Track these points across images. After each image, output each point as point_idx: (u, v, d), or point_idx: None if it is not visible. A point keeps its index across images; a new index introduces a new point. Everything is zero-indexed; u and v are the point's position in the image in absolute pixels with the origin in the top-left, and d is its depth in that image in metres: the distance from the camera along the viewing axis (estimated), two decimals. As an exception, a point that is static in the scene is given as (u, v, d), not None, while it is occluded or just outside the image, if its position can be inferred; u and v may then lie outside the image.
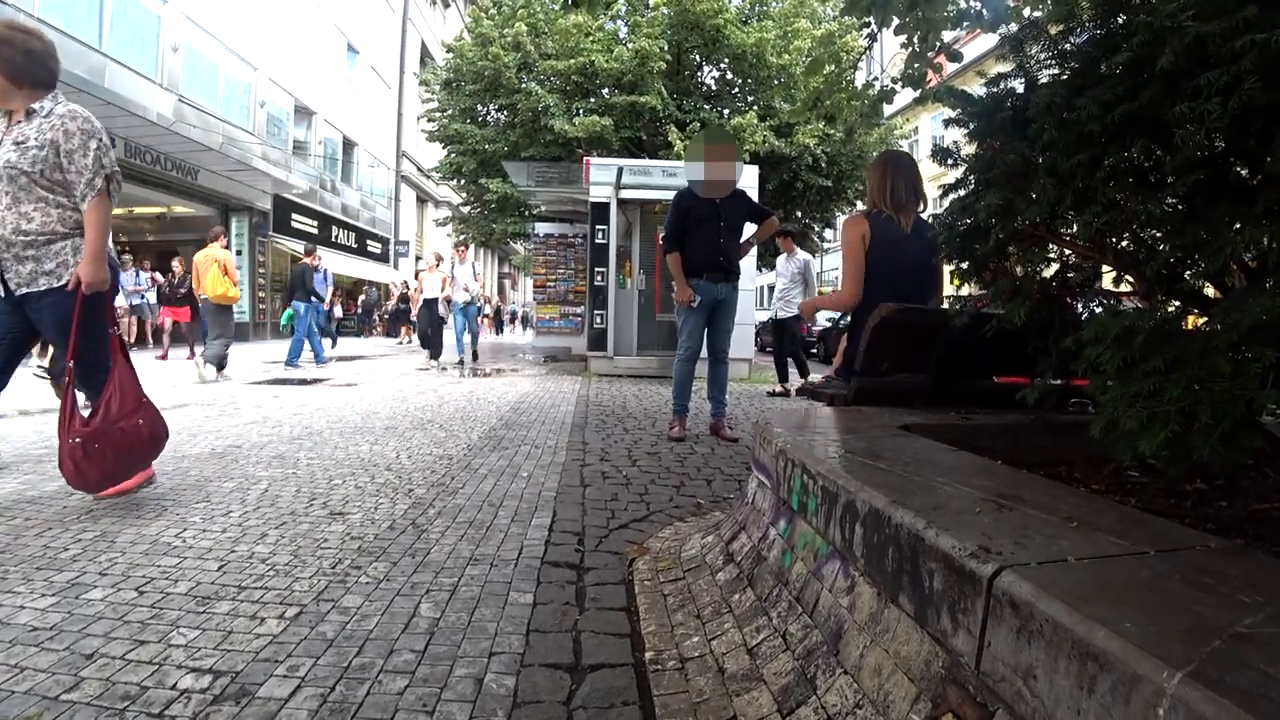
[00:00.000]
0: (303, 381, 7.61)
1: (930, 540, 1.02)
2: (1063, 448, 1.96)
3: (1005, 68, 1.75)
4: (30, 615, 1.65)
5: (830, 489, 1.44)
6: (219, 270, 7.66)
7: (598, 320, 9.17)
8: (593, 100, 13.44)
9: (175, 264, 11.54)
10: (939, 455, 1.66)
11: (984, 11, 4.47)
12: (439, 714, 1.29)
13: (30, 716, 1.25)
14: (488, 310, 25.95)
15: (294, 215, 19.90)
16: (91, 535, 2.25)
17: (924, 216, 3.04)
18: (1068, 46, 1.48)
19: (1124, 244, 1.48)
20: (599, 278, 9.12)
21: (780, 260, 7.97)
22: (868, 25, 4.81)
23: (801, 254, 7.75)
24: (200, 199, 16.49)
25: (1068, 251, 1.67)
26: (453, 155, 15.58)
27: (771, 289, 8.41)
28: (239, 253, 18.24)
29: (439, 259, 11.93)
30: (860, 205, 11.80)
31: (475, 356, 11.00)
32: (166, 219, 17.41)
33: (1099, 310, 1.76)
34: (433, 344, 10.96)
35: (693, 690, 1.39)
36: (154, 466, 3.08)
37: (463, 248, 10.78)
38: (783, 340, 7.80)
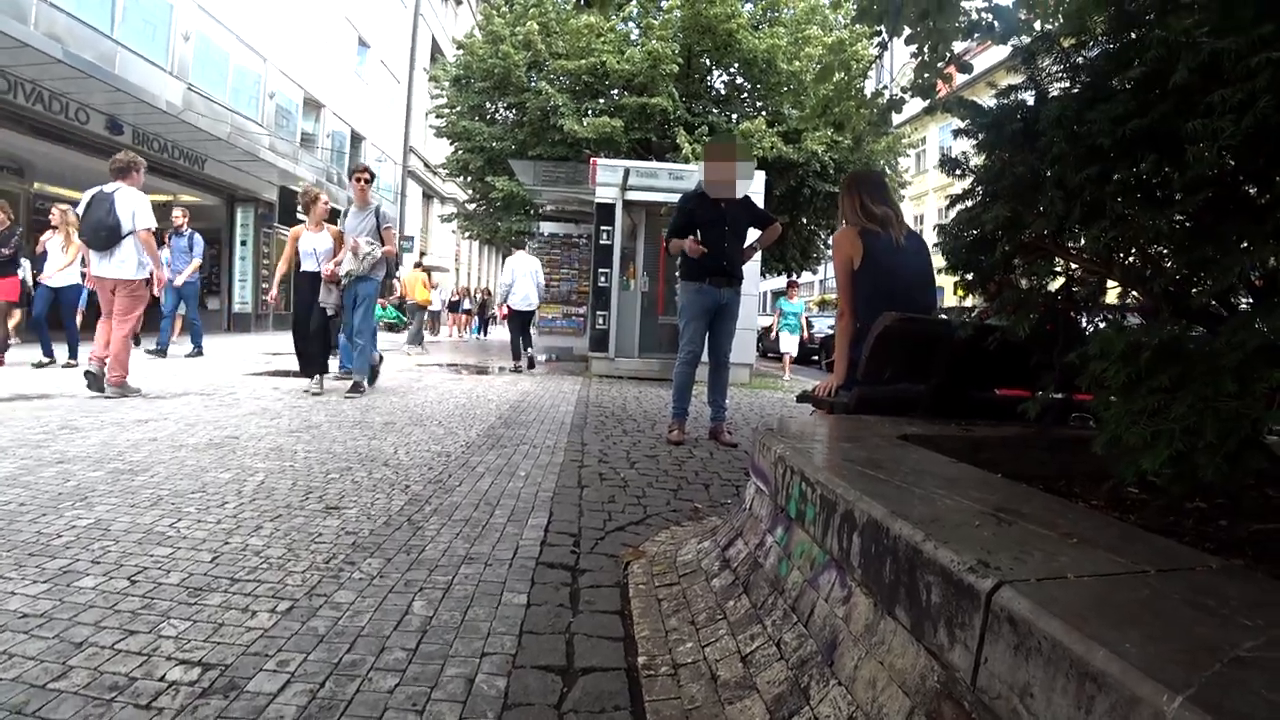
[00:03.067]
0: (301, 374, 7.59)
1: (929, 553, 1.01)
2: (1063, 462, 1.95)
3: (1016, 79, 1.74)
4: (20, 602, 1.64)
5: (829, 498, 1.43)
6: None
7: (600, 321, 9.18)
8: (602, 101, 13.44)
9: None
10: (939, 466, 1.65)
11: (995, 23, 4.47)
12: (429, 713, 1.28)
13: (16, 704, 1.24)
14: (468, 305, 25.09)
15: (300, 207, 19.90)
16: (86, 522, 2.24)
17: (914, 230, 3.06)
18: (1080, 60, 1.48)
19: (1131, 259, 1.47)
20: (602, 278, 9.12)
21: (512, 259, 9.87)
22: (879, 34, 4.81)
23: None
24: (207, 188, 16.49)
25: (1074, 266, 1.66)
26: (460, 152, 15.60)
27: (773, 294, 8.46)
28: (243, 243, 18.31)
29: (317, 200, 6.74)
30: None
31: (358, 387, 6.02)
32: (172, 207, 17.40)
33: (1104, 325, 1.76)
34: (305, 355, 6.48)
35: (685, 697, 1.38)
36: (151, 458, 3.08)
37: (362, 180, 6.18)
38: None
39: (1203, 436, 0.98)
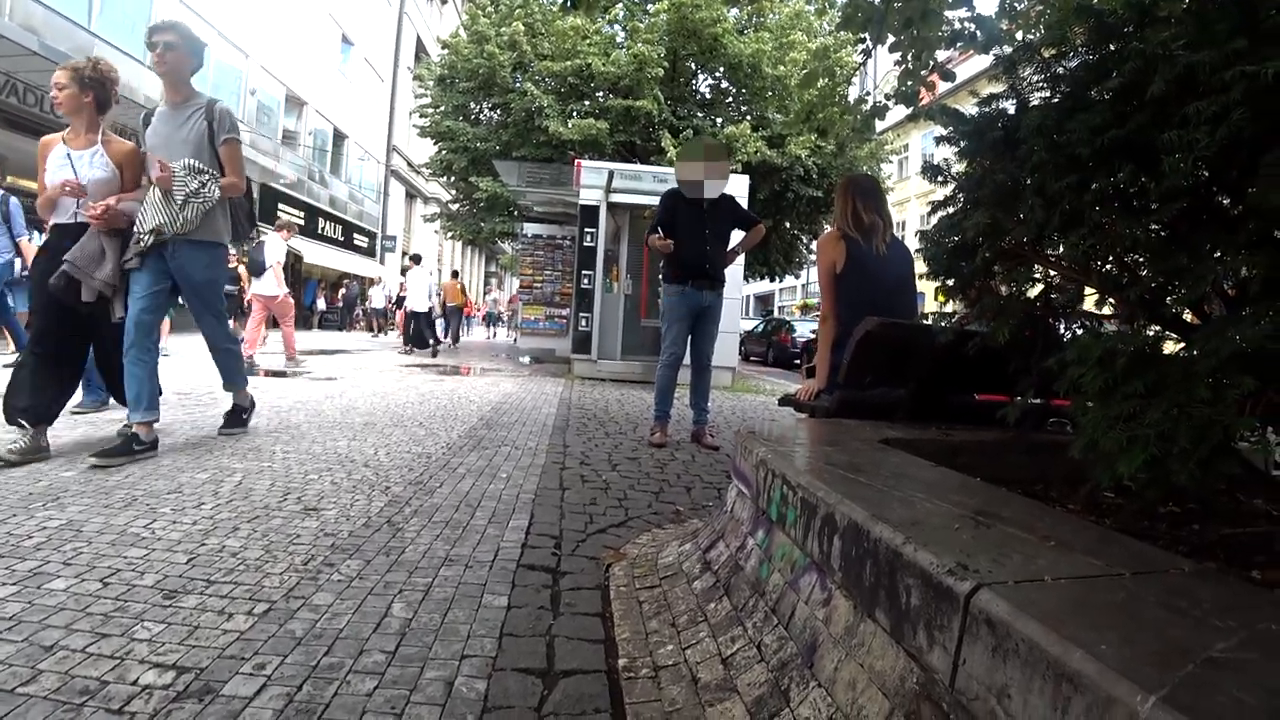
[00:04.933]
0: (282, 374, 7.52)
1: (908, 555, 1.02)
2: (1041, 466, 1.97)
3: (998, 88, 1.77)
4: None
5: (810, 501, 1.44)
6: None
7: (583, 323, 9.17)
8: (588, 103, 13.45)
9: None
10: (919, 470, 1.66)
11: (978, 33, 4.53)
12: (408, 716, 1.27)
13: None
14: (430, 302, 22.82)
15: (281, 205, 19.69)
16: (57, 523, 2.19)
17: (897, 236, 3.09)
18: (1060, 70, 1.50)
19: (1108, 267, 1.49)
20: (585, 280, 9.13)
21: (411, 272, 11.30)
22: (862, 41, 4.86)
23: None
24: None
25: (1052, 273, 1.69)
26: (444, 152, 15.54)
27: (758, 298, 8.50)
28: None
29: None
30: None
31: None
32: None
33: (1081, 332, 1.78)
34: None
35: (665, 699, 1.38)
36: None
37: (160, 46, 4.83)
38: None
39: (1176, 442, 1.00)
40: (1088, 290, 1.68)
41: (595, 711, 1.33)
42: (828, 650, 1.20)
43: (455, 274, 18.20)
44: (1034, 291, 1.85)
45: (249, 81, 17.62)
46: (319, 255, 20.87)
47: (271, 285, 8.44)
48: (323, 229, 22.23)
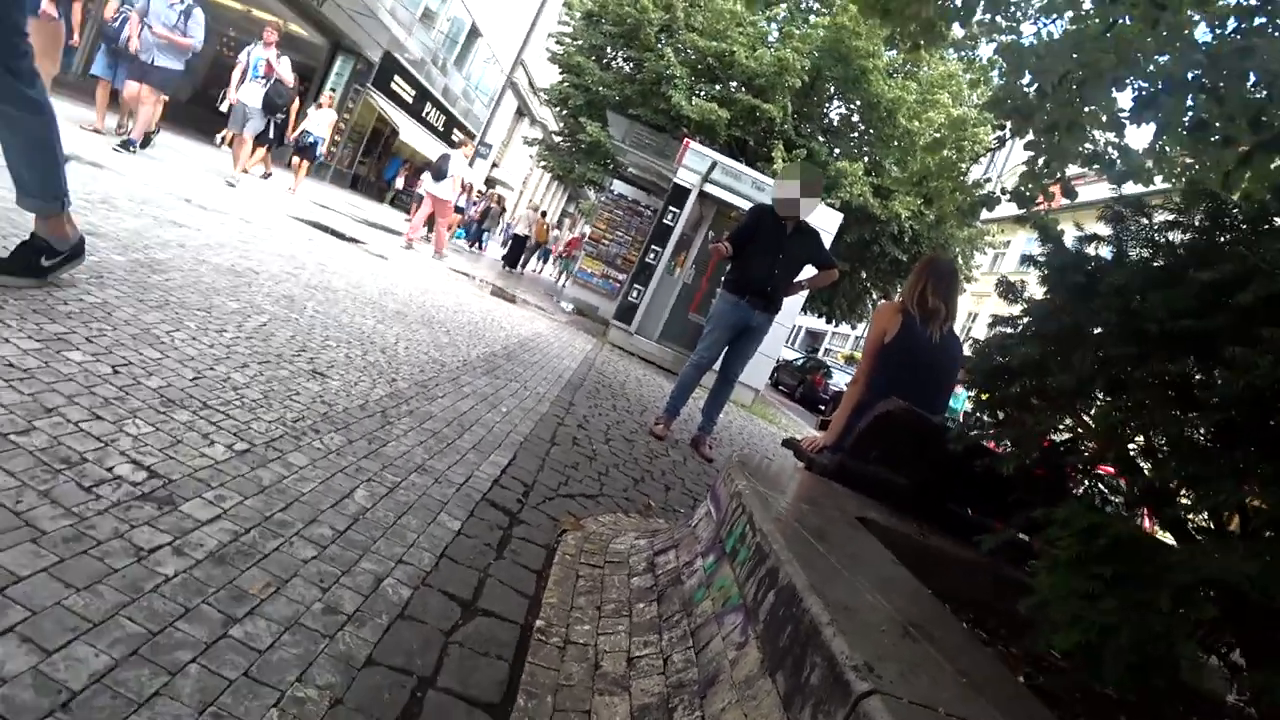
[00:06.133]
0: (340, 236, 7.69)
1: (825, 637, 1.05)
2: (1002, 600, 1.97)
3: (1102, 229, 1.74)
4: (10, 351, 1.71)
5: (764, 549, 1.47)
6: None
7: (634, 294, 9.20)
8: (718, 88, 13.35)
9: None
10: (879, 561, 1.68)
11: (1118, 162, 4.41)
12: (330, 594, 1.34)
13: None
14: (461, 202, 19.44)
15: (396, 77, 19.95)
16: (93, 300, 2.31)
17: (955, 330, 3.07)
18: (1165, 239, 1.48)
19: (1132, 446, 1.48)
20: (652, 255, 9.13)
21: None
22: (1001, 128, 4.77)
23: None
24: (317, 26, 16.59)
25: (1079, 429, 1.68)
26: (566, 84, 15.60)
27: (809, 333, 8.45)
28: (332, 90, 18.39)
29: None
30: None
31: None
32: (279, 33, 17.51)
33: (1088, 489, 1.77)
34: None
35: (563, 672, 1.43)
36: (172, 261, 3.15)
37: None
38: None
39: (1117, 637, 1.00)
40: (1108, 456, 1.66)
41: (496, 657, 1.39)
42: (724, 690, 1.24)
43: (543, 213, 20.25)
44: (1060, 436, 1.84)
45: (412, -53, 17.79)
46: (413, 137, 21.11)
47: (447, 190, 10.15)
48: (426, 113, 22.47)
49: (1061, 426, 1.69)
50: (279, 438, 1.91)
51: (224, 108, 8.78)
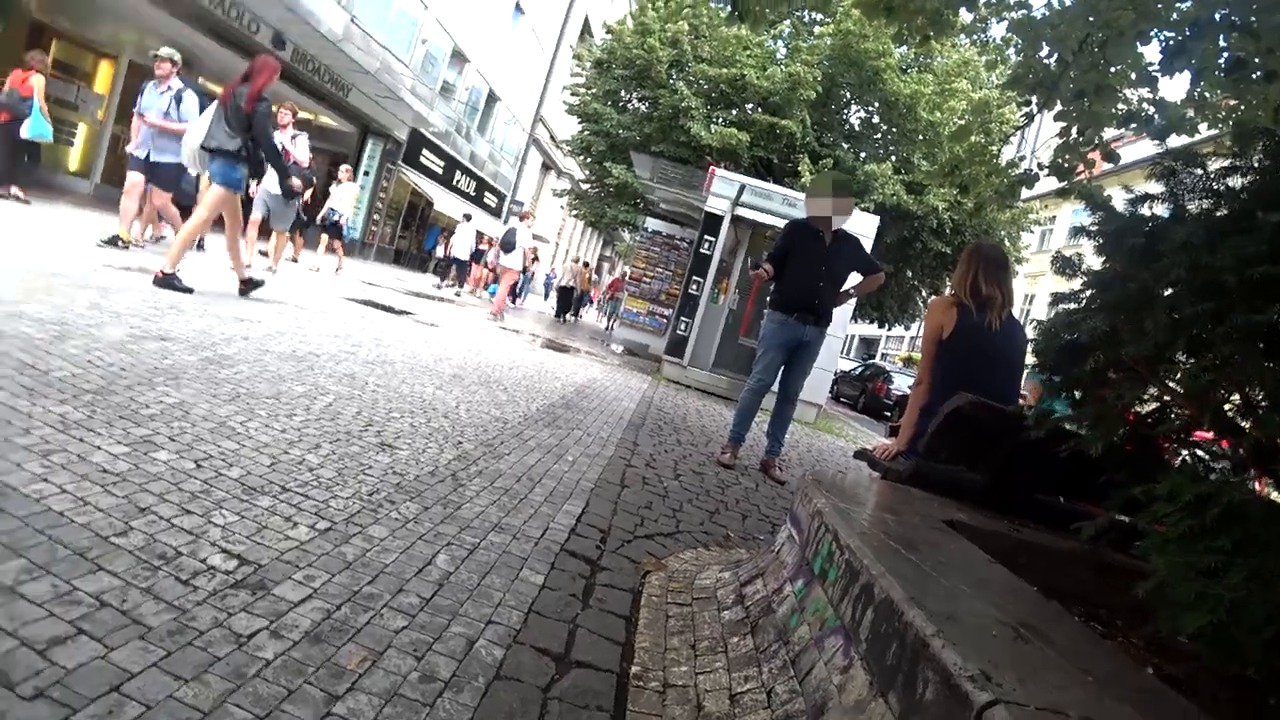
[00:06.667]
0: (391, 310, 7.94)
1: (934, 649, 1.00)
2: (1110, 590, 1.86)
3: (1154, 187, 1.67)
4: (104, 458, 1.82)
5: (854, 565, 1.42)
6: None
7: (682, 327, 9.20)
8: (734, 112, 13.46)
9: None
10: (974, 563, 1.61)
11: (1156, 117, 4.25)
12: (425, 662, 1.35)
13: (82, 548, 1.39)
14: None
15: (425, 151, 20.77)
16: (172, 400, 2.43)
17: (1015, 315, 2.96)
18: (1224, 185, 1.41)
19: (1228, 406, 1.39)
20: (694, 286, 9.15)
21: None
22: (1027, 104, 4.66)
23: None
24: (346, 115, 17.46)
25: (1167, 396, 1.59)
26: (586, 132, 15.95)
27: (863, 340, 8.29)
28: (366, 173, 19.26)
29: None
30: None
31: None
32: (311, 126, 18.55)
33: (1186, 460, 1.67)
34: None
35: (666, 717, 1.40)
36: (239, 355, 3.32)
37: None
38: None
39: (1249, 614, 0.93)
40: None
41: (597, 709, 1.37)
42: (834, 718, 1.19)
43: (586, 264, 21.80)
44: (1149, 407, 1.74)
45: (422, 31, 18.65)
46: (447, 205, 21.83)
47: (517, 260, 11.19)
48: (457, 181, 23.25)
49: (1146, 397, 1.60)
50: (357, 512, 1.96)
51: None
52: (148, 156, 6.59)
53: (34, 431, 1.87)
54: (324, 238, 11.55)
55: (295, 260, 11.08)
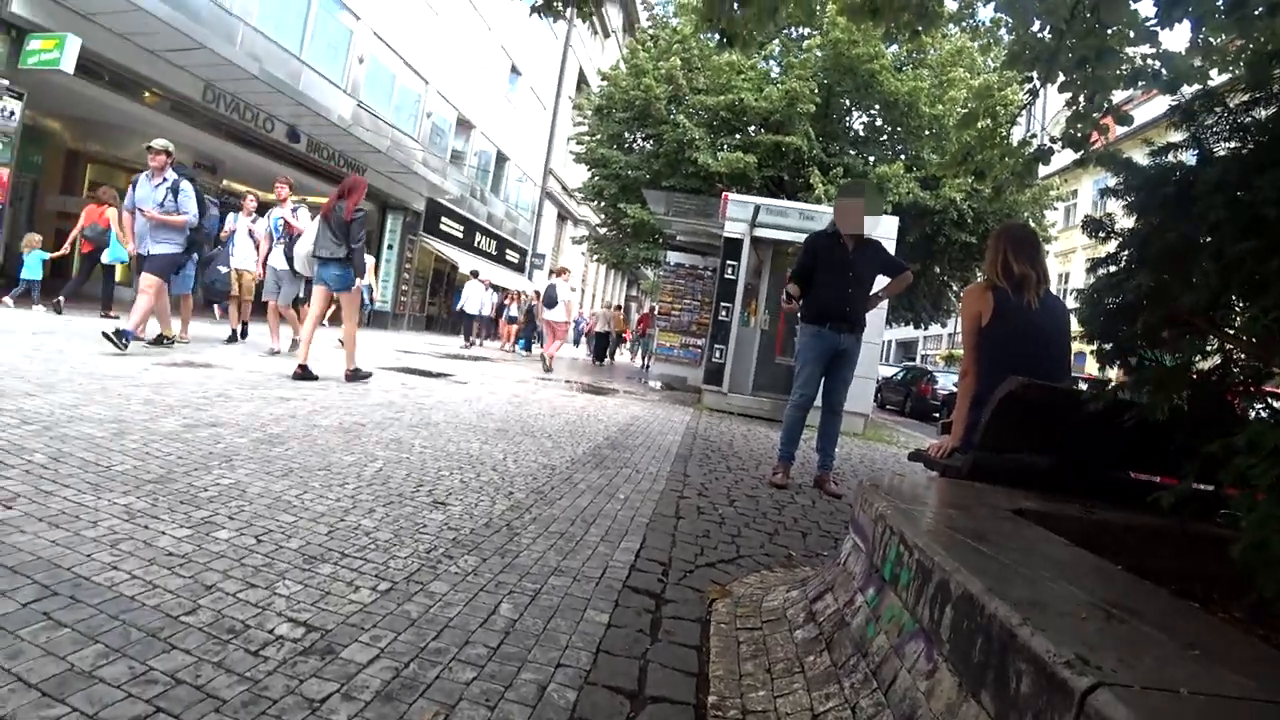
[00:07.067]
0: (428, 374, 8.07)
1: (1023, 639, 0.95)
2: (1202, 563, 1.76)
3: (1176, 136, 1.62)
4: (168, 542, 1.88)
5: (925, 564, 1.37)
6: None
7: (717, 355, 9.15)
8: (738, 136, 13.57)
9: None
10: (1051, 548, 1.54)
11: (1163, 71, 4.14)
12: (498, 711, 1.33)
13: (154, 629, 1.42)
14: (515, 311, 19.95)
15: (444, 219, 21.35)
16: (228, 481, 2.50)
17: (1054, 291, 2.88)
18: (1249, 119, 1.36)
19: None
20: (724, 313, 9.11)
21: None
22: (1029, 80, 4.59)
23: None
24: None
25: (1229, 345, 1.52)
26: (596, 178, 16.22)
27: (900, 344, 8.14)
28: (390, 247, 19.82)
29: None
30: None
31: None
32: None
33: (1262, 413, 1.58)
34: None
35: (751, 744, 1.35)
36: (288, 432, 3.40)
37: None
38: None
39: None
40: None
41: (679, 743, 1.33)
42: (927, 724, 1.13)
43: (619, 307, 23.25)
44: (1211, 363, 1.66)
45: (426, 105, 19.34)
46: (471, 267, 22.31)
47: (560, 314, 11.78)
48: (478, 243, 23.80)
49: (1206, 351, 1.53)
50: (417, 570, 1.96)
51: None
52: (148, 251, 6.31)
53: (102, 523, 1.95)
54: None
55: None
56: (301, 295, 7.96)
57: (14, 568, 1.60)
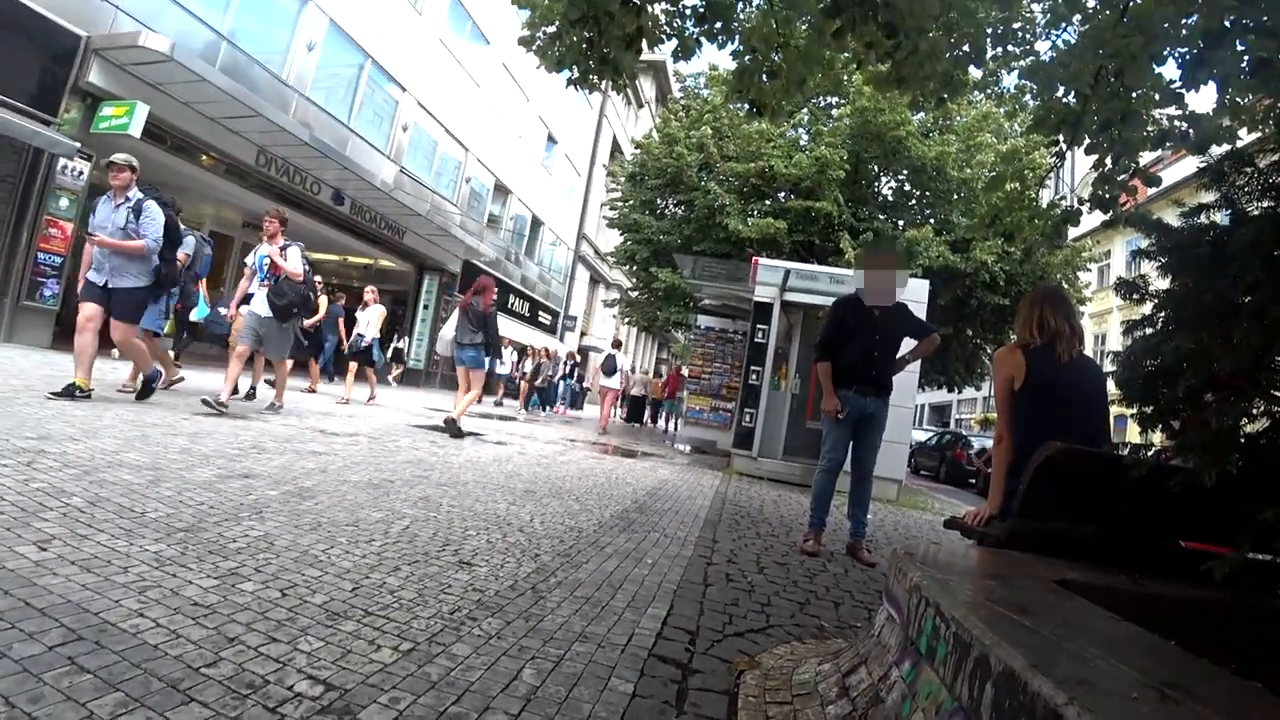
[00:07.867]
0: (459, 433, 8.11)
1: (1070, 718, 0.90)
2: (1267, 641, 1.66)
3: (1207, 197, 1.60)
4: (195, 592, 1.89)
5: (963, 638, 1.31)
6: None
7: (747, 418, 9.06)
8: (768, 202, 13.80)
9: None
10: (1098, 622, 1.46)
11: (1190, 132, 4.13)
12: (519, 786, 1.28)
13: (174, 680, 1.42)
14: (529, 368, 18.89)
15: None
16: (257, 534, 2.53)
17: (1088, 353, 2.83)
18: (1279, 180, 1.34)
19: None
20: (754, 376, 9.08)
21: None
22: (1056, 144, 4.61)
23: None
24: (402, 255, 18.68)
25: (1277, 408, 1.46)
26: (629, 242, 16.56)
27: (934, 408, 8.01)
28: (426, 307, 20.34)
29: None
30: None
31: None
32: (372, 270, 19.95)
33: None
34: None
35: (781, 827, 1.28)
36: (318, 486, 3.43)
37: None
38: None
39: None
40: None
41: (705, 824, 1.27)
42: (969, 809, 1.06)
43: (658, 374, 24.73)
44: (1258, 426, 1.60)
45: (466, 171, 20.12)
46: (506, 329, 22.72)
47: (617, 382, 13.87)
48: (512, 304, 24.25)
49: (1253, 412, 1.47)
50: (439, 631, 1.93)
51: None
52: (105, 284, 5.24)
53: (131, 570, 1.97)
54: (353, 366, 10.25)
55: (313, 391, 10.35)
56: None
57: (44, 609, 1.62)
